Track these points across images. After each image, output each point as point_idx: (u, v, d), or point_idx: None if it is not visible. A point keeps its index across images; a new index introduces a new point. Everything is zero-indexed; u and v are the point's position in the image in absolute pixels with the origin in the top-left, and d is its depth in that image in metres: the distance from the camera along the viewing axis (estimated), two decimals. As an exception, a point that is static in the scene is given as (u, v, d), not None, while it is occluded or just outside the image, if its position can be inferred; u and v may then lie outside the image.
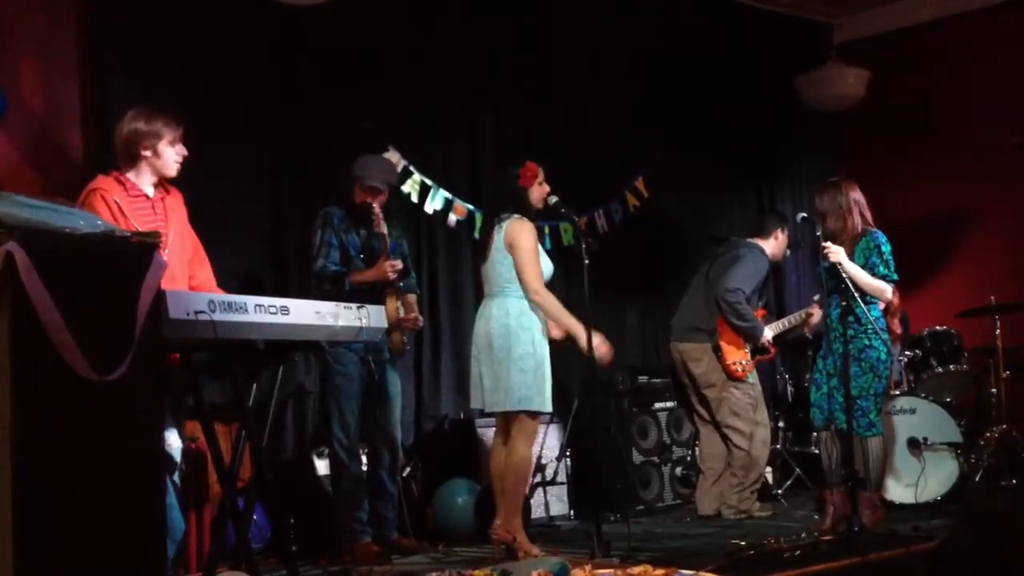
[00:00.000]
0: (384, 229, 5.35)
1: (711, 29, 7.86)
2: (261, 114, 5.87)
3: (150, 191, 4.27)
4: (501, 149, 6.73)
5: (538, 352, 4.99)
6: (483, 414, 5.68)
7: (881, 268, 5.35)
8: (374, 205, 5.34)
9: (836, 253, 5.26)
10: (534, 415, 5.03)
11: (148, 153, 4.23)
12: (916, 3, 8.30)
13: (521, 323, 4.97)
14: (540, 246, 5.14)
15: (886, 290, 5.38)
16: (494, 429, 5.28)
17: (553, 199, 5.18)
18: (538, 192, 5.14)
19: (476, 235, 6.29)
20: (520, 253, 4.99)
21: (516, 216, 5.06)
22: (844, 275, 5.22)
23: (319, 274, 5.32)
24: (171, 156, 4.26)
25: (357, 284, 5.26)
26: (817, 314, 6.14)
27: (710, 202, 7.97)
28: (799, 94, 8.22)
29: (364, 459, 5.47)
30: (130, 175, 4.24)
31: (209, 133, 4.75)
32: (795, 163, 8.50)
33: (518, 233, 5.01)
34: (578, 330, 4.94)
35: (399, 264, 5.33)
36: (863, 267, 5.34)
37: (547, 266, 5.12)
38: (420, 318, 5.62)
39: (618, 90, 7.46)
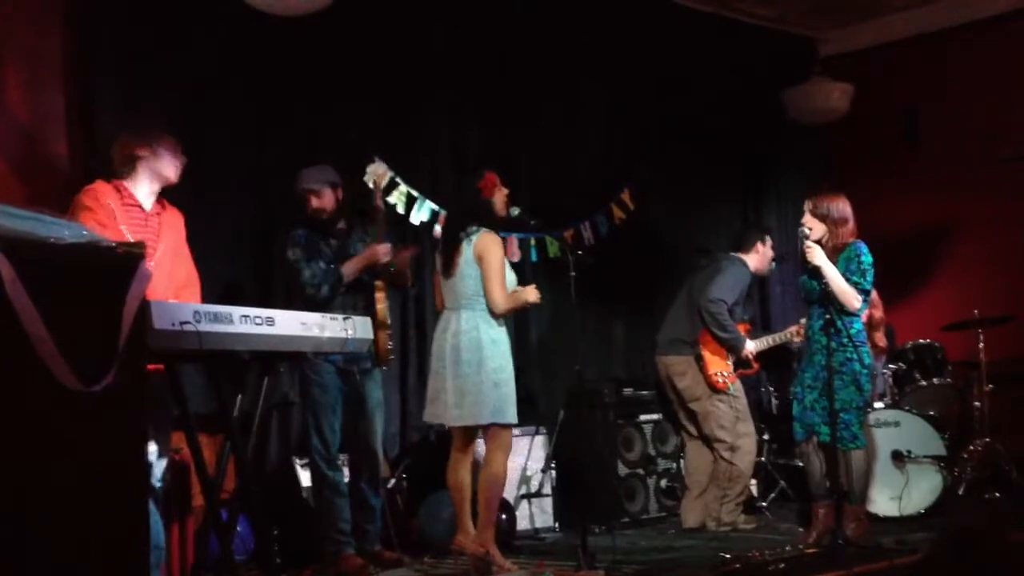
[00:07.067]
0: (381, 203, 5.49)
1: (697, 43, 7.88)
2: (246, 125, 5.87)
3: (147, 203, 4.24)
4: (487, 161, 6.70)
5: (508, 366, 5.03)
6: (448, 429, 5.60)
7: (855, 276, 5.32)
8: (373, 194, 5.49)
9: (818, 255, 5.27)
10: (508, 427, 5.05)
11: (146, 153, 4.20)
12: (900, 18, 8.36)
13: (492, 336, 4.98)
14: (505, 260, 5.16)
15: (854, 298, 5.30)
16: (481, 442, 5.27)
17: (516, 210, 5.21)
18: (500, 199, 5.17)
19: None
20: (487, 268, 5.00)
21: (484, 230, 5.08)
22: (823, 278, 5.23)
23: (312, 281, 5.25)
24: (171, 157, 4.25)
25: (352, 273, 5.24)
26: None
27: (696, 214, 7.99)
28: (784, 108, 8.26)
29: (346, 471, 5.45)
30: (128, 183, 4.22)
31: (194, 144, 4.73)
32: (780, 176, 8.54)
33: (488, 247, 5.03)
34: (530, 296, 5.06)
35: (389, 247, 5.35)
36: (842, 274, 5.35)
37: (511, 279, 5.14)
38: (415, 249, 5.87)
39: (605, 102, 7.48)
